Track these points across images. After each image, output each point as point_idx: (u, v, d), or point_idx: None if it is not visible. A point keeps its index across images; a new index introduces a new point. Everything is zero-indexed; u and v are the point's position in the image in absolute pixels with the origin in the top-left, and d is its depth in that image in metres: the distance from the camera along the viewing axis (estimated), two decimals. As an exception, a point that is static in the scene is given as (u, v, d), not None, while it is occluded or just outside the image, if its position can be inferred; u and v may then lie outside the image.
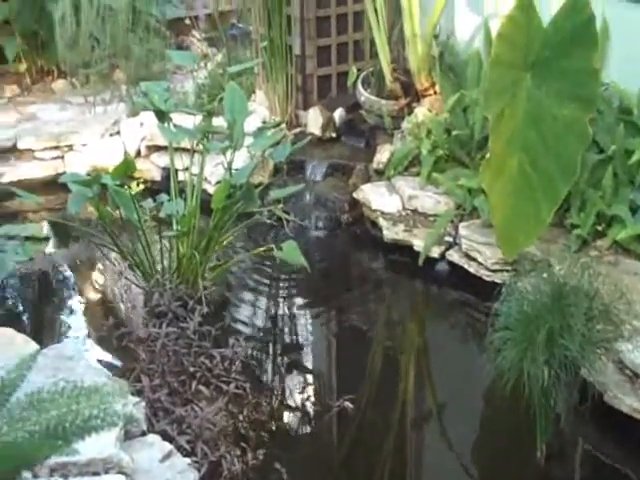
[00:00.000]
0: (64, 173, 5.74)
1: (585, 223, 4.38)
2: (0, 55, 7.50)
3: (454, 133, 5.05)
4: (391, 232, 4.98)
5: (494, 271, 4.46)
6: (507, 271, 4.32)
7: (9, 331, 3.45)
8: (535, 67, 3.98)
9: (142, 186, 5.31)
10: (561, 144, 3.97)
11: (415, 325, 4.81)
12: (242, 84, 5.79)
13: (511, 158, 4.04)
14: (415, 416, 3.98)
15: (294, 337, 4.51)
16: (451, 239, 4.79)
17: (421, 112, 5.28)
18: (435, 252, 4.78)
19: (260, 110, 6.13)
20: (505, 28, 4.08)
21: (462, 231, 4.69)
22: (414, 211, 5.04)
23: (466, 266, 4.63)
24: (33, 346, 3.40)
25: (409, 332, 4.74)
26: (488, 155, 4.24)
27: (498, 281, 4.31)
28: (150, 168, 5.90)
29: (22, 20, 7.40)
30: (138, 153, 6.03)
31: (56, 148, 6.16)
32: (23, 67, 7.55)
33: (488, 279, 4.46)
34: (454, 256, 4.72)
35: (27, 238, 5.20)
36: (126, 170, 4.15)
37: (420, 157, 5.16)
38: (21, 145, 6.18)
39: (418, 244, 4.84)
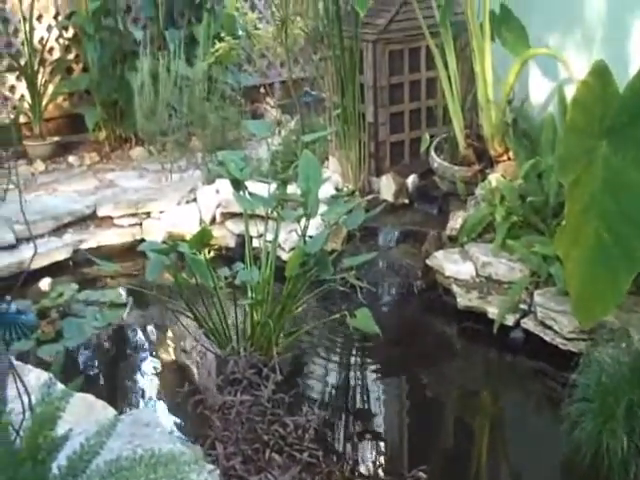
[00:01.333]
0: (142, 240, 5.89)
1: (665, 291, 4.30)
2: (81, 124, 7.74)
3: (529, 199, 5.01)
4: (465, 299, 4.95)
5: (570, 340, 4.37)
6: (584, 340, 4.25)
7: (89, 397, 3.50)
8: (611, 133, 3.95)
9: (213, 253, 5.41)
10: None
11: (489, 394, 4.74)
12: (315, 151, 5.87)
13: (587, 225, 4.01)
14: (490, 487, 3.91)
15: (367, 405, 4.47)
16: (526, 307, 4.73)
17: (495, 178, 5.27)
18: (510, 320, 4.72)
19: (333, 177, 6.19)
20: (580, 94, 4.08)
21: (537, 299, 4.64)
22: (488, 278, 5.00)
23: (541, 334, 4.55)
24: (111, 412, 3.44)
25: (483, 401, 4.66)
26: (564, 222, 4.21)
27: (574, 350, 4.25)
28: (225, 235, 5.97)
29: (102, 90, 7.66)
30: (213, 220, 6.11)
31: (134, 215, 6.30)
32: (102, 135, 7.79)
33: (564, 348, 4.38)
34: (529, 324, 4.65)
35: (105, 304, 5.34)
36: (202, 239, 4.23)
37: (494, 223, 5.13)
38: (100, 212, 6.34)
39: (492, 311, 4.79)
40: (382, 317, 4.89)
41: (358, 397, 4.55)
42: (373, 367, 4.77)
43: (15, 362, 3.27)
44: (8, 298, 4.26)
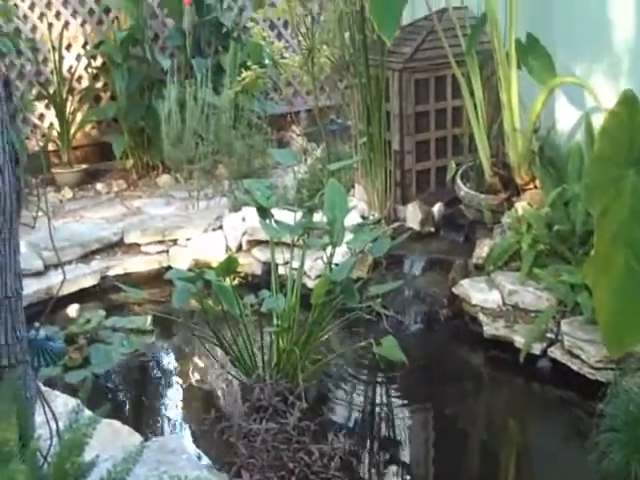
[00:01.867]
0: (168, 267, 5.94)
1: (694, 321, 4.25)
2: (108, 152, 7.82)
3: (555, 228, 5.00)
4: (491, 328, 4.93)
5: (598, 369, 4.34)
6: (612, 369, 4.21)
7: (115, 423, 3.53)
8: (639, 163, 3.94)
9: (237, 280, 5.41)
10: (668, 239, 3.89)
11: (515, 423, 4.70)
12: (341, 179, 5.88)
13: (617, 255, 3.98)
14: (517, 518, 3.88)
15: (392, 433, 4.46)
16: (553, 336, 4.69)
17: (521, 206, 5.25)
18: (536, 349, 4.69)
19: (359, 205, 6.20)
20: (608, 124, 4.06)
21: (564, 328, 4.61)
22: (514, 307, 4.97)
23: (569, 364, 4.52)
24: (137, 438, 3.46)
25: (509, 430, 4.63)
26: (592, 251, 4.19)
27: (602, 380, 4.21)
28: (251, 262, 5.99)
29: (130, 118, 7.73)
30: (239, 247, 6.13)
31: (161, 242, 6.33)
32: (130, 163, 7.85)
33: (592, 377, 4.35)
34: (556, 353, 4.62)
35: (132, 330, 5.37)
36: (229, 267, 4.25)
37: (520, 252, 5.11)
38: (128, 239, 6.38)
39: (519, 340, 4.76)
40: (408, 345, 4.86)
41: (384, 425, 4.53)
42: (399, 395, 4.75)
43: (43, 388, 3.29)
44: (37, 325, 4.29)
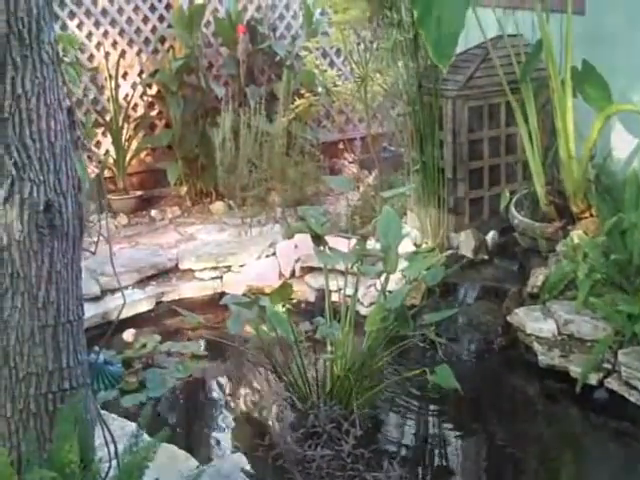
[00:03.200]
0: (222, 293, 5.97)
1: None
2: (163, 178, 7.91)
3: (612, 257, 4.94)
4: (546, 357, 4.88)
5: (656, 401, 4.30)
6: (671, 401, 4.17)
7: (172, 447, 3.55)
8: (698, 191, 3.90)
9: (288, 307, 5.42)
10: None
11: (572, 455, 4.64)
12: (393, 206, 5.87)
13: (674, 284, 3.94)
14: None
15: (446, 462, 4.43)
16: (610, 366, 4.64)
17: (577, 235, 5.21)
18: (593, 379, 4.64)
19: (411, 232, 6.19)
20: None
21: (621, 358, 4.54)
22: (570, 336, 4.92)
23: (626, 395, 4.46)
24: (193, 463, 3.49)
25: (565, 462, 4.57)
26: (650, 280, 4.15)
27: (661, 412, 4.17)
28: (304, 289, 6.00)
29: (184, 145, 7.81)
30: (292, 274, 6.15)
31: (215, 269, 6.35)
32: (184, 190, 7.92)
33: (649, 409, 4.31)
34: (613, 384, 4.56)
35: (187, 355, 5.42)
36: (284, 295, 4.28)
37: (576, 281, 5.06)
38: (182, 265, 6.43)
39: (575, 370, 4.71)
40: (462, 374, 4.82)
41: (437, 454, 4.50)
42: (452, 424, 4.71)
43: (101, 411, 3.32)
44: (97, 348, 4.35)
